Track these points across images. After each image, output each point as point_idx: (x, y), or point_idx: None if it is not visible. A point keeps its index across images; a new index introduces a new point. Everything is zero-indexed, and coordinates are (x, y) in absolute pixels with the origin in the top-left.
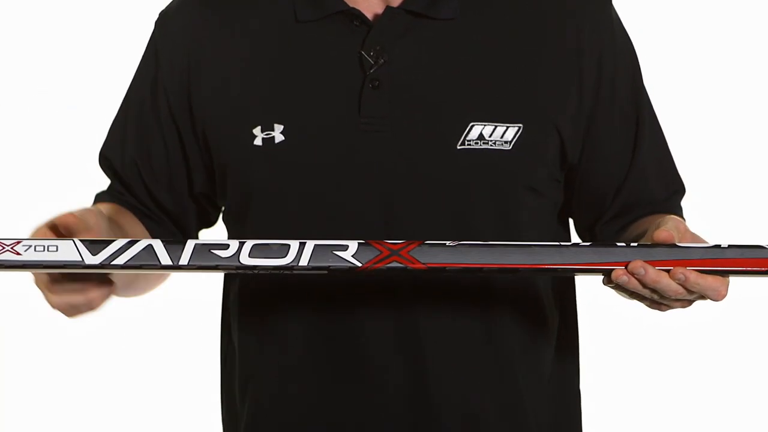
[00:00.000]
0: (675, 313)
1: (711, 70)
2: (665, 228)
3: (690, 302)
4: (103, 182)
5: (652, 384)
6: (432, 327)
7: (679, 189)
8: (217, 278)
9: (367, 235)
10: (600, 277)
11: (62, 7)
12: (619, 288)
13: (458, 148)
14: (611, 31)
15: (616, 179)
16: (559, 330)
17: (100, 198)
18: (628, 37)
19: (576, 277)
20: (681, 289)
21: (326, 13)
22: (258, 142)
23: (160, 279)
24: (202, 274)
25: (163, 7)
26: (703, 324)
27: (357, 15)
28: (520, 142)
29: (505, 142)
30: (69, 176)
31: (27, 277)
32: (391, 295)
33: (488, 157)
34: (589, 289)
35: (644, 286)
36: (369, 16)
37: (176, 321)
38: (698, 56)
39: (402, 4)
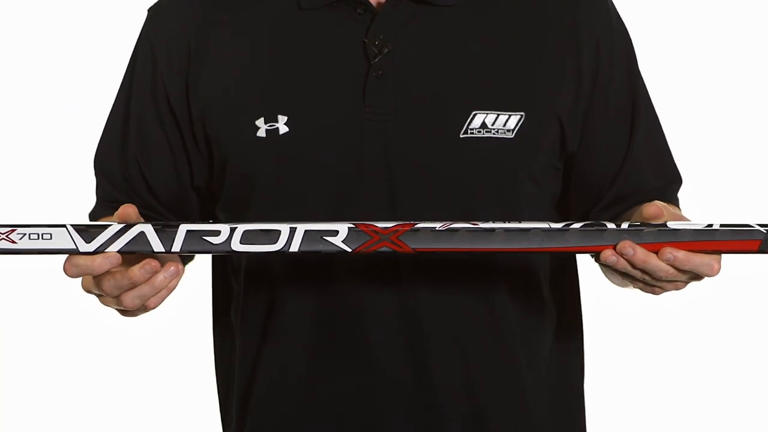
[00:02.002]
0: (679, 311)
1: (707, 63)
2: (654, 203)
3: (684, 283)
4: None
5: (654, 376)
6: (431, 304)
7: (675, 179)
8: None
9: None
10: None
11: (62, 7)
12: (610, 269)
13: (461, 136)
14: (608, 21)
15: (612, 168)
16: (558, 315)
17: (96, 216)
18: (625, 28)
19: (578, 272)
20: (671, 269)
21: (330, 0)
22: (261, 133)
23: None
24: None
25: (152, 3)
26: (708, 318)
27: (361, 2)
28: (522, 130)
29: (508, 131)
30: (69, 176)
31: (26, 277)
32: (392, 275)
33: (491, 145)
34: (595, 290)
35: (634, 266)
36: (372, 2)
37: (175, 319)
38: (696, 49)
39: None
